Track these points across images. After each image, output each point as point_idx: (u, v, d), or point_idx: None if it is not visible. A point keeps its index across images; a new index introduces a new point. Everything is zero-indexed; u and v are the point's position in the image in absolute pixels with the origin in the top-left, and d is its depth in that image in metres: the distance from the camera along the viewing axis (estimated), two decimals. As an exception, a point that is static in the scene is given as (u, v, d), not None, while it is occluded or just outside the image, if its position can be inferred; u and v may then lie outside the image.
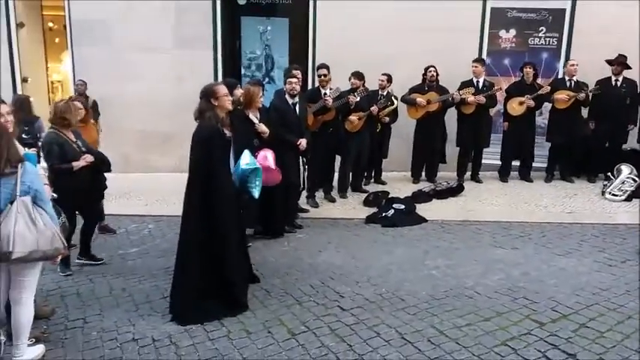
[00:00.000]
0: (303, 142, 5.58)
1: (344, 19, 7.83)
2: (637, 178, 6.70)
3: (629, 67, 6.93)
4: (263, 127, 5.03)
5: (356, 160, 6.85)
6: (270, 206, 5.25)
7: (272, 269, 4.67)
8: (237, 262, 3.95)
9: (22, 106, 5.91)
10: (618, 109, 6.95)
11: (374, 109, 6.72)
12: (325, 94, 6.28)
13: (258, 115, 5.11)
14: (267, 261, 4.87)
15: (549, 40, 7.71)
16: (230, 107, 3.90)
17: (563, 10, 7.56)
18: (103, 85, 7.99)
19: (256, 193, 4.20)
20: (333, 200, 6.75)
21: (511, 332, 3.47)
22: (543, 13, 7.63)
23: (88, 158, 4.47)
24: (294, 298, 4.07)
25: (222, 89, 3.83)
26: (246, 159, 4.10)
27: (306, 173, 6.07)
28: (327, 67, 6.37)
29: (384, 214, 6.14)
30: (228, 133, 3.84)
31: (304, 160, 5.90)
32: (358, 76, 6.63)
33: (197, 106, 3.79)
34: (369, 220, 6.12)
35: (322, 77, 6.32)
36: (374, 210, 6.38)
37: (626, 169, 6.81)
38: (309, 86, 7.49)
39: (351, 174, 6.99)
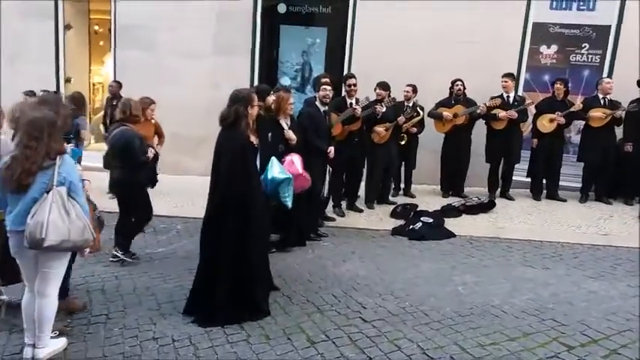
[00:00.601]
0: (332, 151, 5.58)
1: (383, 29, 7.81)
2: (679, 203, 6.42)
3: None
4: (291, 134, 5.04)
5: (385, 172, 6.80)
6: (293, 214, 5.23)
7: (295, 276, 4.66)
8: (261, 268, 3.96)
9: (72, 101, 6.09)
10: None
11: (400, 119, 6.68)
12: (351, 103, 6.28)
13: (289, 122, 5.14)
14: (291, 267, 4.86)
15: (592, 57, 7.50)
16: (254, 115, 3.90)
17: (609, 27, 7.34)
18: (141, 89, 8.10)
19: (289, 203, 4.23)
20: (359, 210, 6.70)
21: (537, 354, 3.35)
22: (587, 30, 7.44)
23: (153, 150, 4.90)
24: (316, 306, 4.04)
25: (255, 97, 3.87)
26: (276, 168, 4.11)
27: (328, 182, 6.05)
28: (355, 77, 6.37)
29: (411, 227, 6.06)
30: (255, 140, 3.85)
31: (330, 168, 5.89)
32: (384, 86, 6.59)
33: (228, 111, 3.75)
34: (396, 232, 6.05)
35: (352, 87, 6.31)
36: (401, 222, 6.30)
37: (667, 193, 6.53)
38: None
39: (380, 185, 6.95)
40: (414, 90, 7.07)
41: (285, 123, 5.08)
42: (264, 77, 8.56)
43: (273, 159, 4.17)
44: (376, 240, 5.81)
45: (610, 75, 7.28)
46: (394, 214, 6.56)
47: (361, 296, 4.24)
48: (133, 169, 4.68)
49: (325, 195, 5.97)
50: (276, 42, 8.72)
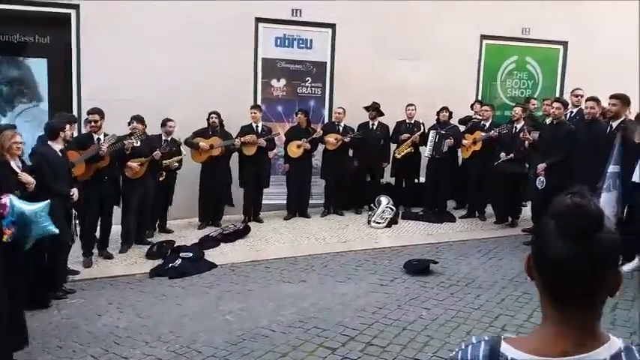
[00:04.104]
0: (75, 193, 4.98)
1: (114, 61, 7.38)
2: (393, 207, 7.74)
3: (382, 114, 8.05)
4: (27, 177, 4.29)
5: (139, 210, 6.40)
6: (34, 269, 4.48)
7: (40, 345, 3.97)
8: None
9: None
10: (375, 149, 8.04)
11: (156, 154, 6.43)
12: (99, 139, 5.78)
13: (20, 164, 4.39)
14: (34, 335, 4.10)
15: (315, 90, 8.51)
16: None
17: (325, 63, 8.47)
18: None
19: (55, 228, 3.78)
20: (109, 256, 6.13)
21: (308, 363, 3.57)
22: (308, 65, 8.42)
23: None
24: (72, 373, 3.52)
25: None
26: (24, 205, 3.49)
27: (78, 228, 5.41)
28: (99, 112, 5.89)
29: (170, 265, 5.83)
30: None
31: (76, 213, 5.25)
32: (139, 119, 6.30)
33: None
34: (155, 273, 5.74)
35: (93, 123, 5.82)
36: (159, 262, 6.01)
37: (384, 200, 7.81)
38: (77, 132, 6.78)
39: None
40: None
41: (16, 165, 4.32)
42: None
43: (12, 198, 3.50)
44: (134, 286, 5.40)
45: (331, 104, 8.41)
46: (150, 255, 6.21)
47: (126, 349, 3.87)
48: None
49: (72, 243, 5.28)
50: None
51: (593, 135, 5.83)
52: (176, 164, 6.94)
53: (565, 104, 6.60)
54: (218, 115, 7.26)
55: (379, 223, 7.50)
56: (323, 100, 8.57)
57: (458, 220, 7.74)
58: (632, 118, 5.78)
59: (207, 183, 7.35)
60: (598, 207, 1.01)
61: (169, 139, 6.89)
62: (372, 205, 7.84)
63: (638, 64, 8.71)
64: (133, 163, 6.20)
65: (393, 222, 7.56)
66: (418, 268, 5.51)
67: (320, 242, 6.80)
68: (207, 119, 7.28)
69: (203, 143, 7.15)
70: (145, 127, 6.39)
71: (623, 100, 5.64)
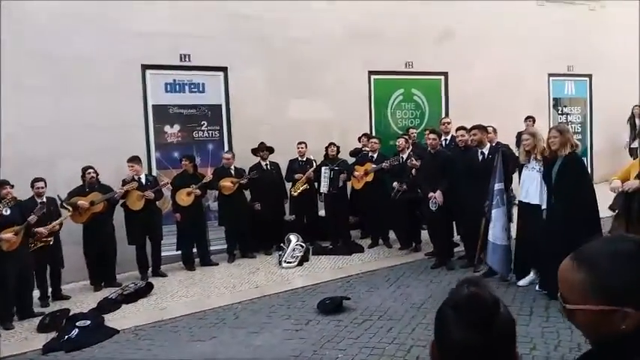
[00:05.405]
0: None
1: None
2: (304, 244, 7.72)
3: (272, 151, 8.06)
4: None
5: (19, 282, 5.77)
6: None
7: None
8: None
9: None
10: (273, 188, 8.01)
11: (32, 218, 5.85)
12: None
13: None
14: None
15: (212, 133, 8.35)
16: None
17: (220, 106, 8.36)
18: None
19: None
20: (-10, 337, 5.48)
21: None
22: (202, 109, 8.26)
23: None
24: None
25: None
26: None
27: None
28: None
29: (66, 337, 5.30)
30: None
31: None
32: (6, 183, 5.75)
33: None
34: (49, 348, 5.19)
35: None
36: (53, 335, 5.45)
37: (294, 238, 7.77)
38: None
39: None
40: (45, 184, 6.37)
41: None
42: None
43: None
44: (23, 368, 4.83)
45: (230, 147, 8.28)
46: (42, 328, 5.62)
47: None
48: None
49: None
50: None
51: (469, 160, 6.35)
52: (57, 227, 6.38)
53: (439, 134, 7.19)
54: (94, 169, 6.86)
55: (290, 262, 7.42)
56: (222, 142, 8.43)
57: (366, 250, 7.88)
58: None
59: (92, 243, 6.82)
60: (492, 294, 1.09)
61: (44, 199, 6.31)
62: (281, 244, 7.76)
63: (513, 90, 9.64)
64: (7, 234, 5.61)
65: (304, 259, 7.52)
66: (331, 307, 5.48)
67: (230, 291, 6.56)
68: (82, 176, 6.82)
69: (82, 201, 6.66)
70: (12, 186, 5.85)
71: (481, 128, 6.33)
